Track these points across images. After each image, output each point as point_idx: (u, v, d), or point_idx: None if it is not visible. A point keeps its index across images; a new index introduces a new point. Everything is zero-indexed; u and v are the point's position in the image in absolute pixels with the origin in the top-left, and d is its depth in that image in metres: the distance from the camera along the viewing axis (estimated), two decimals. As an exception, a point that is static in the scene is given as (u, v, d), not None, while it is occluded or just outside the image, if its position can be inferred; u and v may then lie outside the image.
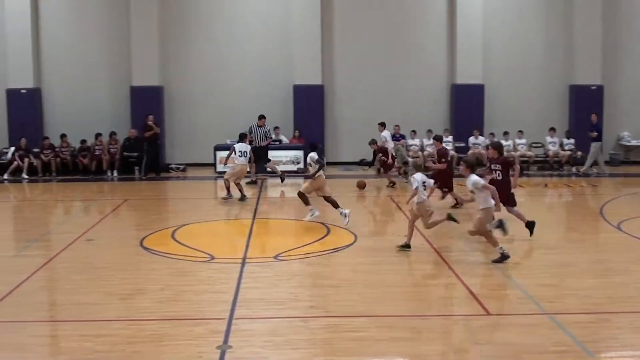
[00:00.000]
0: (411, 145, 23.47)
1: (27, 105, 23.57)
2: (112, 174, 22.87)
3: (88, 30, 24.09)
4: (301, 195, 14.51)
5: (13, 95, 23.53)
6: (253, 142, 20.51)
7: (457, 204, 15.95)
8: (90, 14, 24.08)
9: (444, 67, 24.51)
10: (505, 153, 14.76)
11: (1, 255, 12.62)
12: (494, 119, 23.33)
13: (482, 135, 23.41)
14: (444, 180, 15.95)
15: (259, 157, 20.72)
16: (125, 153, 22.85)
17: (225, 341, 8.20)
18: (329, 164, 23.53)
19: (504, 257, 11.43)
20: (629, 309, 9.61)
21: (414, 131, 23.58)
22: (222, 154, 22.29)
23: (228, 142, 22.72)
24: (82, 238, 13.69)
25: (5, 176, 22.19)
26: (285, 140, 23.29)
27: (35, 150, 22.81)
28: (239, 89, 24.12)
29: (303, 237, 14.14)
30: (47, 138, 23.06)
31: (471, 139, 23.28)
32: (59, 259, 12.28)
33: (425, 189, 12.35)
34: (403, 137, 23.34)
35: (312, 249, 12.84)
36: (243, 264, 11.70)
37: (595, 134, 22.32)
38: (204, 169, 23.20)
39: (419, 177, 12.35)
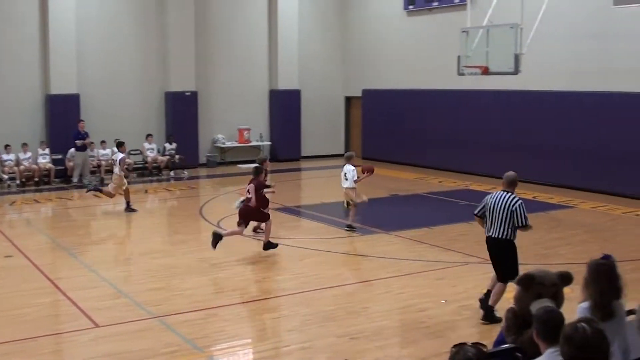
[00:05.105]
0: (6, 161, 21.73)
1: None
2: None
3: None
4: None
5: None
6: None
7: None
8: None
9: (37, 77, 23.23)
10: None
11: None
12: (93, 129, 22.66)
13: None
14: None
15: None
16: None
17: None
18: None
19: None
20: (233, 302, 10.14)
21: (8, 145, 21.86)
22: None
23: None
24: None
25: None
26: None
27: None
28: None
29: None
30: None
31: (71, 151, 22.19)
32: None
33: None
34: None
35: None
36: None
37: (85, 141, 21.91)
38: None
39: None
